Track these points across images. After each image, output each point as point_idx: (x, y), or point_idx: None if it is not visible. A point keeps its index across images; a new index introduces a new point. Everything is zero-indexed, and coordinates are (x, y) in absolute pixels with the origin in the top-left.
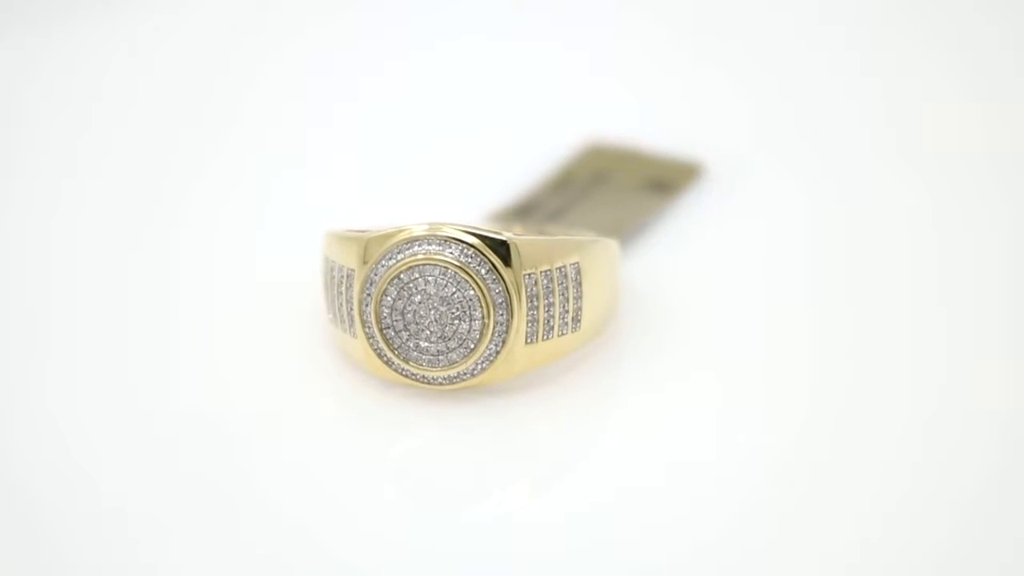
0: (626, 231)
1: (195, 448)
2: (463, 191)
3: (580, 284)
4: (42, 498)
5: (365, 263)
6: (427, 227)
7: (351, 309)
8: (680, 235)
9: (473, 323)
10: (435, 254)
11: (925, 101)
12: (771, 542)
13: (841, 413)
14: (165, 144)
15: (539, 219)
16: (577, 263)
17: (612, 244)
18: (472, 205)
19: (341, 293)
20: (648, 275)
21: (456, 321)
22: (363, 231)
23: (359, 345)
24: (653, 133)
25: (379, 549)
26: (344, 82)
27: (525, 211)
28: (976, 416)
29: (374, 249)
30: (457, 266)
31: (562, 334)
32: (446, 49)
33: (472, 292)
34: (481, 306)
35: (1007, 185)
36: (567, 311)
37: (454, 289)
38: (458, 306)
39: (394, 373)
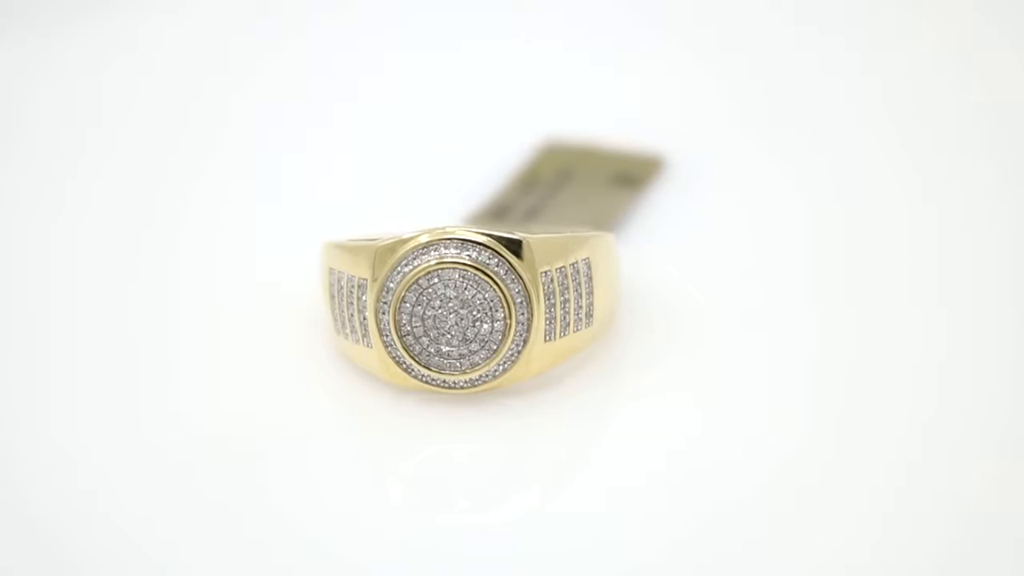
0: (606, 226)
1: (198, 451)
2: (427, 196)
3: (591, 279)
4: (41, 500)
5: (378, 271)
6: (439, 231)
7: (364, 319)
8: (662, 228)
9: (495, 324)
10: (453, 257)
11: (915, 88)
12: (772, 541)
13: (841, 413)
14: (164, 146)
15: (516, 219)
16: (587, 258)
17: (612, 238)
18: (441, 209)
19: (352, 303)
20: (639, 270)
21: (478, 323)
22: (372, 239)
23: (374, 354)
24: (606, 129)
25: (388, 552)
26: (314, 88)
27: (499, 212)
28: (976, 416)
29: (386, 257)
30: (476, 268)
31: (577, 330)
32: (395, 57)
33: (492, 293)
34: (503, 306)
35: (1006, 179)
36: (581, 307)
37: (474, 291)
38: (479, 308)
39: (413, 380)
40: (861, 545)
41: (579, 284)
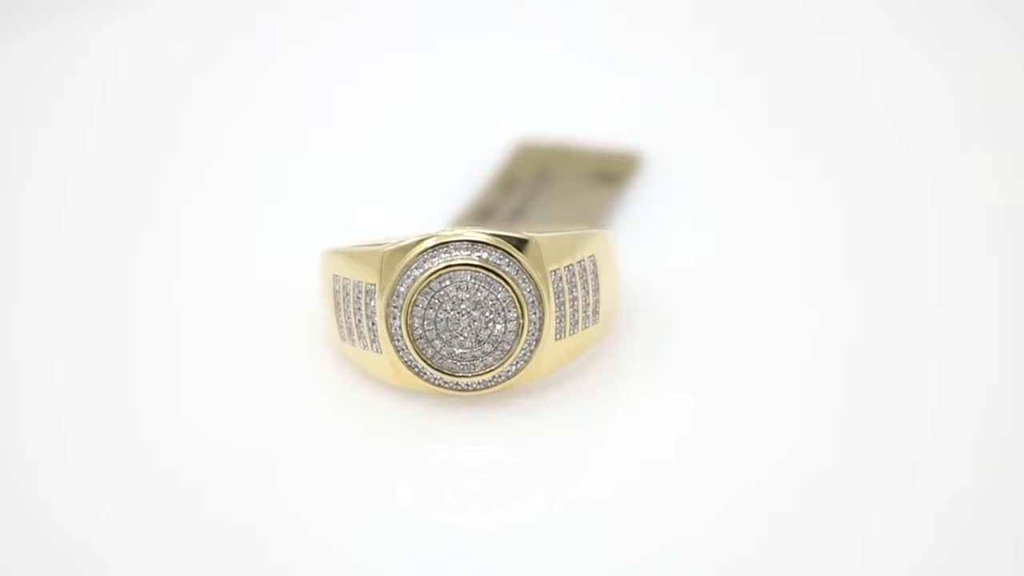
0: (594, 223)
1: (201, 452)
2: (405, 199)
3: (597, 276)
4: (41, 500)
5: (387, 276)
6: (446, 233)
7: (373, 324)
8: (655, 225)
9: (508, 324)
10: (463, 259)
11: (914, 87)
12: (772, 541)
13: (841, 413)
14: (163, 147)
15: (502, 220)
16: (593, 256)
17: (611, 235)
18: (422, 212)
19: (359, 310)
20: (636, 268)
21: (490, 324)
22: (377, 244)
23: (385, 360)
24: (578, 127)
25: (399, 556)
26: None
27: (483, 214)
28: (976, 416)
29: (395, 261)
30: (487, 269)
31: (585, 327)
32: (361, 61)
33: (505, 293)
34: (515, 306)
35: (1006, 178)
36: (588, 304)
37: (486, 292)
38: (491, 309)
39: (426, 384)
40: (861, 545)
41: (586, 281)
